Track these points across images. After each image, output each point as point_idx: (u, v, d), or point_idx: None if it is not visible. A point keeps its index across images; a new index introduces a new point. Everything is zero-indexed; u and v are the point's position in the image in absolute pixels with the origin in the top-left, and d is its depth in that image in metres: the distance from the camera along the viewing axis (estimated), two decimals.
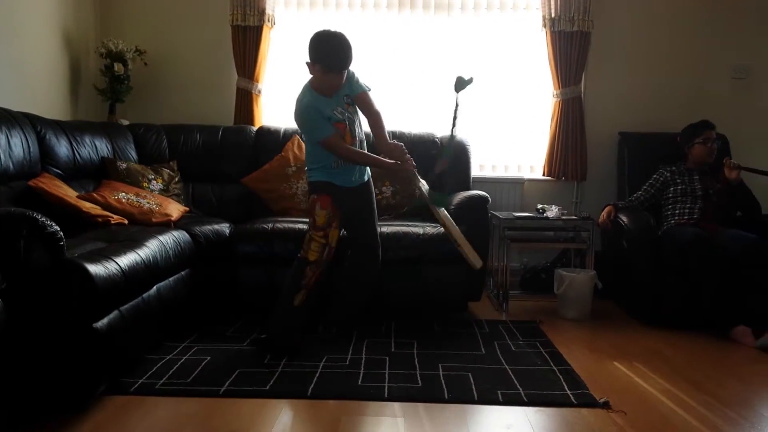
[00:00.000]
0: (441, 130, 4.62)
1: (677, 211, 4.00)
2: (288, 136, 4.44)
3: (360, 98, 3.27)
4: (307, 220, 3.27)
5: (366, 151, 3.30)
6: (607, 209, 4.14)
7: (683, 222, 3.93)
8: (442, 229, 3.73)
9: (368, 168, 3.39)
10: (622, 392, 2.76)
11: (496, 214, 4.33)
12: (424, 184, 3.38)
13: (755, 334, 3.41)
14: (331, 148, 3.13)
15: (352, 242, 3.41)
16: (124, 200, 3.56)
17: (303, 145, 4.06)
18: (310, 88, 3.14)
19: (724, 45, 4.81)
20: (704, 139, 4.03)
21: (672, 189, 4.07)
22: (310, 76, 3.13)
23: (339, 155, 3.16)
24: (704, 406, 2.64)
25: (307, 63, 3.07)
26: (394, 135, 4.51)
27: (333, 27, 3.09)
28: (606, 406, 2.59)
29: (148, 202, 3.65)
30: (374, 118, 3.30)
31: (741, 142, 4.59)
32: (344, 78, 3.13)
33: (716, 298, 3.55)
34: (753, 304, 3.50)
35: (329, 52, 3.03)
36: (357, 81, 3.27)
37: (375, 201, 3.46)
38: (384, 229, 3.75)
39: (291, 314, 3.19)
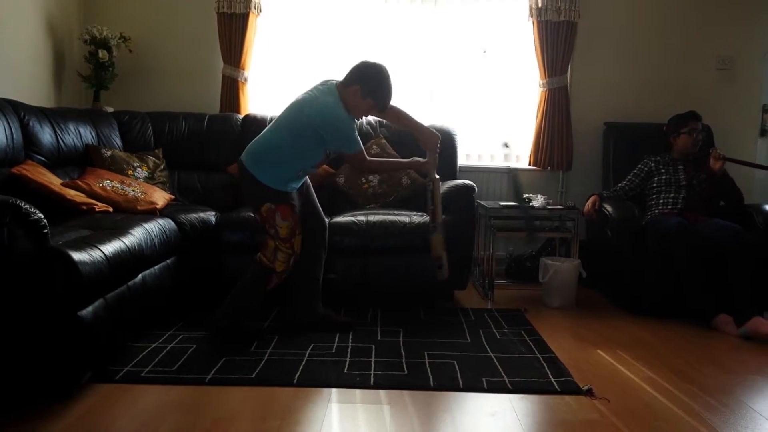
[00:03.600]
0: (427, 119, 4.61)
1: (661, 201, 4.03)
2: None
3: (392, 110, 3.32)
4: (267, 228, 3.13)
5: (398, 162, 3.46)
6: (592, 199, 4.16)
7: (667, 211, 3.96)
8: (428, 218, 3.75)
9: None
10: (605, 380, 2.79)
11: (483, 203, 4.35)
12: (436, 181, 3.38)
13: (737, 323, 3.45)
14: (362, 162, 3.19)
15: (306, 226, 3.31)
16: (108, 188, 3.54)
17: None
18: (340, 101, 3.09)
19: (710, 36, 4.84)
20: (690, 129, 4.05)
21: (656, 179, 4.10)
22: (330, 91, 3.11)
23: (368, 168, 3.38)
24: (686, 393, 2.67)
25: (348, 85, 3.08)
26: (382, 124, 4.51)
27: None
28: (589, 393, 2.62)
29: (133, 190, 3.63)
30: (404, 114, 3.35)
31: (725, 132, 4.64)
32: None
33: (699, 287, 3.59)
34: (735, 293, 3.53)
35: (387, 93, 3.11)
36: None
37: (311, 186, 3.44)
38: (371, 218, 3.76)
39: (246, 311, 3.22)
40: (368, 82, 3.06)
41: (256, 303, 3.23)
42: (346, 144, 3.11)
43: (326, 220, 3.51)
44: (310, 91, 3.15)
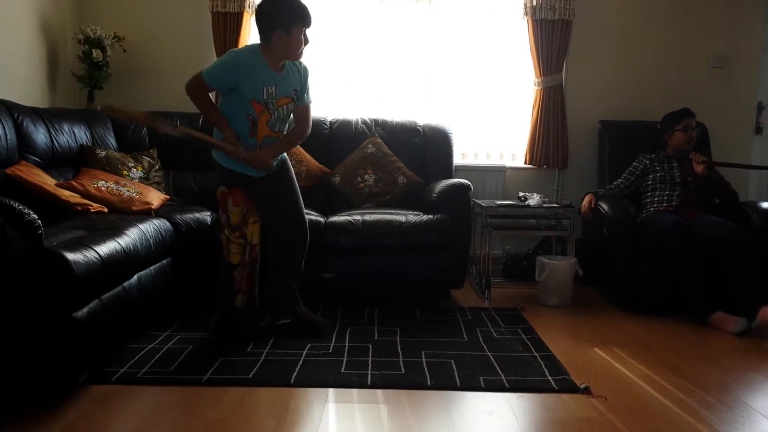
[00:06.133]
0: (423, 118, 4.62)
1: (656, 199, 4.03)
2: None
3: (301, 110, 3.16)
4: (220, 214, 3.07)
5: (217, 113, 3.05)
6: (587, 198, 4.16)
7: (662, 209, 3.97)
8: (424, 217, 3.75)
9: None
10: (602, 378, 2.79)
11: (479, 202, 4.34)
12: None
13: (749, 319, 3.42)
14: (189, 87, 2.98)
15: (275, 224, 3.23)
16: (103, 188, 3.52)
17: None
18: (258, 50, 2.97)
19: (704, 34, 4.84)
20: (684, 126, 4.06)
21: (651, 176, 4.10)
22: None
23: (190, 95, 3.01)
24: (683, 391, 2.68)
25: (269, 37, 2.92)
26: (377, 123, 4.51)
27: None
28: (586, 391, 2.62)
29: (128, 190, 3.61)
30: (299, 133, 3.19)
31: (720, 130, 4.64)
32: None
33: (695, 284, 3.59)
34: (735, 289, 3.53)
35: (302, 9, 2.94)
36: (308, 88, 3.16)
37: (294, 180, 3.28)
38: (366, 217, 3.75)
39: (237, 314, 3.19)
40: (281, 18, 2.91)
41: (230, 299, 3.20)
42: (205, 69, 2.98)
43: (321, 219, 3.44)
44: None
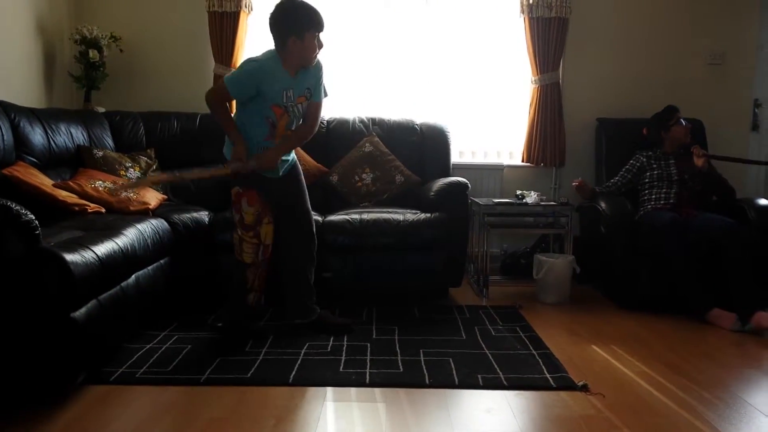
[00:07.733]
0: (420, 117, 4.62)
1: (653, 196, 4.04)
2: None
3: (312, 107, 3.16)
4: (234, 213, 3.10)
5: (232, 125, 3.07)
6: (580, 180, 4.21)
7: (660, 207, 3.97)
8: (422, 216, 3.75)
9: (293, 153, 3.28)
10: (600, 375, 2.79)
11: (476, 200, 4.34)
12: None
13: (741, 321, 3.42)
14: (211, 98, 3.03)
15: (289, 230, 3.27)
16: (101, 188, 3.52)
17: None
18: (277, 56, 3.00)
19: (701, 31, 4.85)
20: (677, 120, 4.09)
21: (648, 174, 4.11)
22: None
23: (211, 106, 3.06)
24: (681, 388, 2.68)
25: (284, 43, 2.94)
26: (374, 122, 4.51)
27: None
28: (584, 389, 2.62)
29: (125, 191, 3.61)
30: (308, 129, 3.19)
31: (716, 127, 4.65)
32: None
33: (692, 281, 3.60)
34: (734, 289, 3.53)
35: (314, 15, 2.97)
36: (323, 84, 3.18)
37: (304, 185, 3.33)
38: (364, 216, 3.75)
39: (248, 312, 3.22)
40: (294, 24, 2.93)
41: (251, 300, 3.24)
42: (227, 80, 3.00)
43: (319, 218, 3.47)
44: None
